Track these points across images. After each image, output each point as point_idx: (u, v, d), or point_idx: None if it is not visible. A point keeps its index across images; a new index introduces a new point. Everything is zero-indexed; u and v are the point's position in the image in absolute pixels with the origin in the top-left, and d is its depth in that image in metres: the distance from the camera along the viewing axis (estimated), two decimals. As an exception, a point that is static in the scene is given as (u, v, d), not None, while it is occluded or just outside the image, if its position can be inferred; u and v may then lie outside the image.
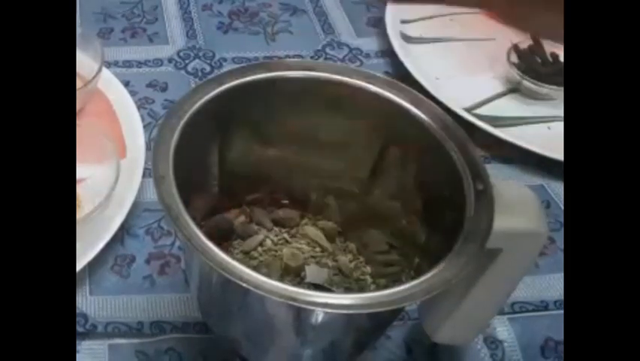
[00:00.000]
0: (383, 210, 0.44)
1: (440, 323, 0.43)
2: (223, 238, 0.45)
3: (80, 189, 0.50)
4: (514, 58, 0.67)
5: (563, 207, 0.56)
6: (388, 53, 0.69)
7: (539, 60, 0.67)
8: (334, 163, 0.44)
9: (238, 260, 0.33)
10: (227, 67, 0.67)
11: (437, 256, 0.35)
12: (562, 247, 0.53)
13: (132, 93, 0.61)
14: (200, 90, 0.39)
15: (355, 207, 0.45)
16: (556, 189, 0.58)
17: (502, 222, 0.35)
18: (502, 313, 0.49)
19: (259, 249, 0.45)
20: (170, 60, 0.68)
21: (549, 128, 0.63)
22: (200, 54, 0.68)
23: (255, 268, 0.42)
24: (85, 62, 0.57)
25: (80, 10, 0.72)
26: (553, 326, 0.48)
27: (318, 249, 0.45)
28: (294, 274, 0.44)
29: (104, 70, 0.59)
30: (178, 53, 0.68)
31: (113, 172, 0.49)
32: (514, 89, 0.66)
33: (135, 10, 0.74)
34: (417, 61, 0.67)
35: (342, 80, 0.41)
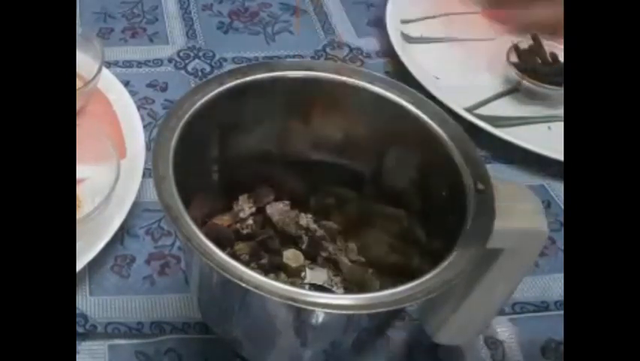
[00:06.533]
0: (384, 211, 0.44)
1: (441, 323, 0.43)
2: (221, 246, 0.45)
3: (79, 189, 0.50)
4: (513, 58, 0.67)
5: (563, 207, 0.56)
6: (389, 53, 0.69)
7: (539, 60, 0.67)
8: (335, 163, 0.44)
9: (240, 261, 0.33)
10: (227, 67, 0.67)
11: (438, 256, 0.35)
12: (562, 247, 0.53)
13: (132, 93, 0.61)
14: (200, 90, 0.39)
15: (356, 208, 0.45)
16: (557, 189, 0.58)
17: (502, 222, 0.35)
18: (502, 313, 0.48)
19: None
20: (170, 60, 0.68)
21: (549, 128, 0.63)
22: (200, 54, 0.68)
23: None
24: (85, 62, 0.57)
25: (80, 10, 0.72)
26: (553, 326, 0.48)
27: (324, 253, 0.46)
28: (294, 275, 0.44)
29: (104, 70, 0.59)
30: (178, 53, 0.68)
31: (113, 172, 0.49)
32: (514, 89, 0.66)
33: (135, 10, 0.74)
34: (417, 61, 0.67)
35: (342, 80, 0.41)
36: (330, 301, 0.32)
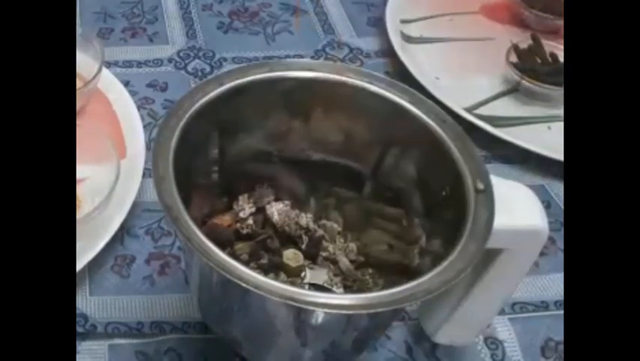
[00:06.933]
0: (384, 211, 0.44)
1: (440, 323, 0.43)
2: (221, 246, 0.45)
3: (79, 189, 0.50)
4: (513, 58, 0.67)
5: (563, 207, 0.56)
6: (388, 52, 0.69)
7: (539, 60, 0.67)
8: (335, 163, 0.44)
9: (239, 260, 0.33)
10: (227, 67, 0.67)
11: (438, 256, 0.35)
12: (562, 247, 0.53)
13: (132, 93, 0.61)
14: (200, 90, 0.39)
15: (356, 208, 0.45)
16: (556, 189, 0.58)
17: (502, 222, 0.35)
18: (502, 313, 0.49)
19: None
20: (170, 60, 0.68)
21: (549, 128, 0.63)
22: (200, 54, 0.68)
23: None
24: (85, 62, 0.57)
25: (80, 10, 0.72)
26: (553, 326, 0.48)
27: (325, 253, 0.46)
28: (294, 275, 0.44)
29: (104, 70, 0.59)
30: (178, 53, 0.68)
31: (113, 172, 0.49)
32: (513, 89, 0.66)
33: (135, 10, 0.74)
34: (417, 61, 0.67)
35: (342, 80, 0.41)
36: (330, 301, 0.32)
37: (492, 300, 0.41)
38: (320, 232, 0.45)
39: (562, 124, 0.62)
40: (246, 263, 0.43)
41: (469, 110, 0.62)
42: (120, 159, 0.51)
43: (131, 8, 0.74)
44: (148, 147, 0.56)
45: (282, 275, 0.44)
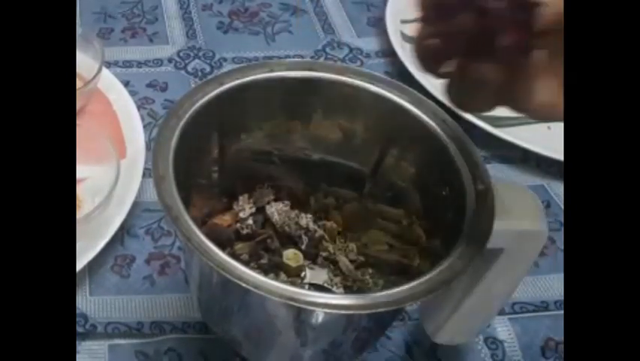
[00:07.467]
0: (383, 211, 0.44)
1: (441, 323, 0.43)
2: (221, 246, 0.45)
3: (80, 189, 0.50)
4: (514, 58, 0.67)
5: (563, 207, 0.56)
6: (389, 52, 0.69)
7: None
8: (335, 163, 0.44)
9: (239, 260, 0.33)
10: (227, 67, 0.67)
11: (438, 256, 0.35)
12: (562, 247, 0.53)
13: (132, 93, 0.62)
14: (200, 90, 0.39)
15: (356, 208, 0.45)
16: (556, 189, 0.58)
17: (502, 222, 0.35)
18: (502, 313, 0.49)
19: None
20: (170, 60, 0.68)
21: (549, 128, 0.63)
22: (200, 54, 0.68)
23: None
24: (85, 62, 0.57)
25: (80, 10, 0.72)
26: (553, 326, 0.48)
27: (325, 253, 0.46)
28: (294, 275, 0.44)
29: (104, 70, 0.59)
30: (178, 53, 0.68)
31: (113, 172, 0.49)
32: (514, 89, 0.66)
33: (135, 10, 0.74)
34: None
35: (342, 80, 0.41)
36: (330, 301, 0.32)
37: (492, 300, 0.41)
38: (320, 232, 0.45)
39: (562, 124, 0.62)
40: (246, 263, 0.43)
41: (469, 110, 0.62)
42: (120, 159, 0.51)
43: (131, 8, 0.74)
44: (148, 147, 0.56)
45: (282, 275, 0.44)
